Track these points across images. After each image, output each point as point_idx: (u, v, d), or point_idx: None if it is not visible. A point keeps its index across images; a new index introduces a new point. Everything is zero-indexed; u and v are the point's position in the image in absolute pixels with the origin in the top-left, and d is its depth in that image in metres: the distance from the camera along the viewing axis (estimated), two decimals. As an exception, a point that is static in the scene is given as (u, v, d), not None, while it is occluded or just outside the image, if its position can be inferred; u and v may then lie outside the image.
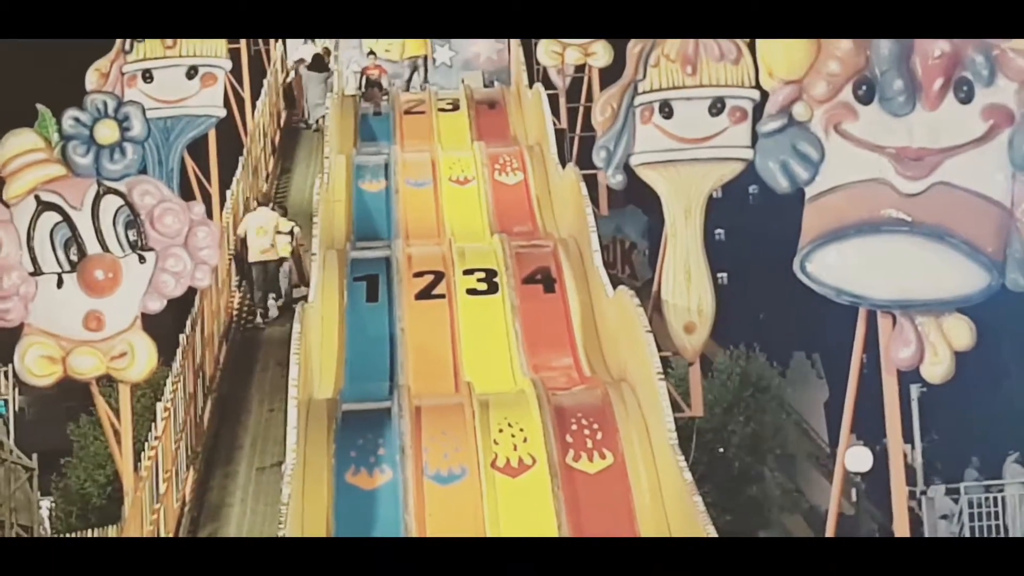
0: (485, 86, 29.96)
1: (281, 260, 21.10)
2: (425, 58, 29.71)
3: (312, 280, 17.51)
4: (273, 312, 20.94)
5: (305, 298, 17.17)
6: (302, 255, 20.94)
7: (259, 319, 20.95)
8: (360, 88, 27.28)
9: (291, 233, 21.21)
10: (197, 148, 19.47)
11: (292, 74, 30.25)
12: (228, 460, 17.30)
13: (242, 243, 21.26)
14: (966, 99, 11.33)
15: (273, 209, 21.66)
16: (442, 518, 13.74)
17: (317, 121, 28.34)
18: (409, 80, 29.43)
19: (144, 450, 14.82)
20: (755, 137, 11.97)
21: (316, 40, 30.24)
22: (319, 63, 29.37)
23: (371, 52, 28.71)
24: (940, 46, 11.24)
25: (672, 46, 15.73)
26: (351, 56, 30.97)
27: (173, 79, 18.35)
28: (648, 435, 14.51)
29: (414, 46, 29.61)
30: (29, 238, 13.18)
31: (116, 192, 13.32)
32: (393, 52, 30.82)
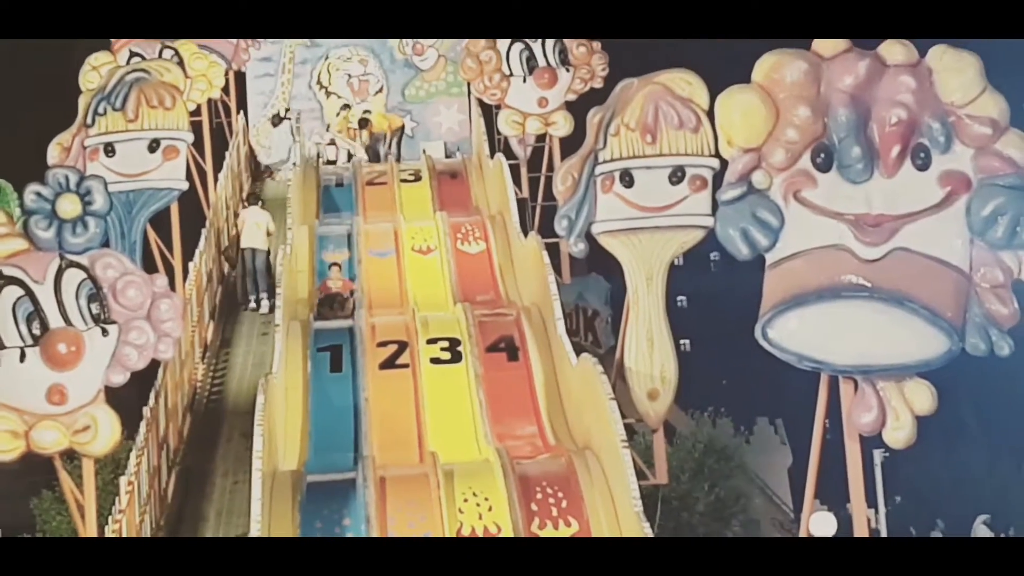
0: (447, 156, 30.01)
1: (266, 252, 23.06)
2: (400, 129, 30.00)
3: (276, 351, 17.49)
4: (264, 307, 22.70)
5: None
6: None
7: (251, 306, 23.07)
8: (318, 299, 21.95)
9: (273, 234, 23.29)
10: (160, 221, 19.45)
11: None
12: (193, 533, 17.16)
13: (238, 235, 23.51)
14: (923, 166, 11.45)
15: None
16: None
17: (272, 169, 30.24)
18: (387, 150, 29.63)
19: (108, 524, 14.72)
20: (715, 205, 12.03)
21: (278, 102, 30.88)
22: (275, 119, 30.91)
23: (334, 264, 22.25)
24: (897, 113, 11.37)
25: (632, 115, 15.85)
26: (312, 127, 31.10)
27: (135, 152, 18.38)
28: (613, 503, 14.52)
29: (391, 121, 29.98)
30: (-9, 312, 13.13)
31: (78, 266, 13.25)
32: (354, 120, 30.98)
